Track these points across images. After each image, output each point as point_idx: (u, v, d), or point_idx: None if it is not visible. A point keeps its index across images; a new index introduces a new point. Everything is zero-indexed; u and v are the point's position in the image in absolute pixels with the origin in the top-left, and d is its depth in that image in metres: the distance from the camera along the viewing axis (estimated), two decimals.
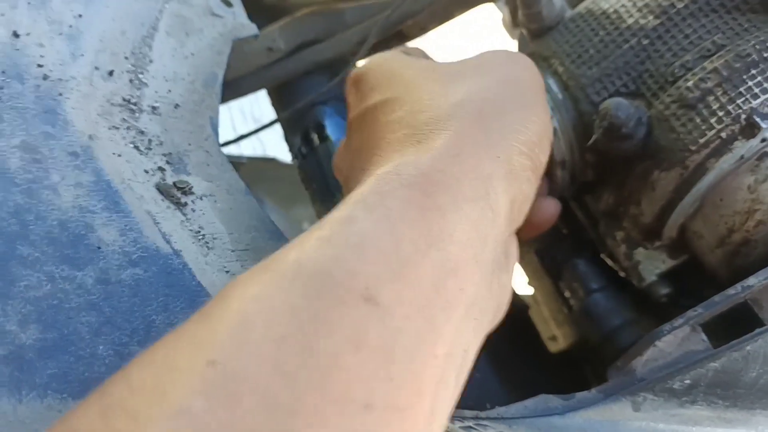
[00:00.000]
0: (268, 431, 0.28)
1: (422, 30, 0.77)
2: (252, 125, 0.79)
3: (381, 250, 0.35)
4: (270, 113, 0.87)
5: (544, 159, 0.47)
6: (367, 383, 0.31)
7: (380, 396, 0.31)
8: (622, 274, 0.61)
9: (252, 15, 0.68)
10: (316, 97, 0.74)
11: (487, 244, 0.40)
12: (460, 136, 0.42)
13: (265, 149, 1.44)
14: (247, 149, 1.41)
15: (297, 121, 0.77)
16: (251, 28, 0.66)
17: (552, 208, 0.55)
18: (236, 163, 0.57)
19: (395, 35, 0.75)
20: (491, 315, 0.44)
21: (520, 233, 0.49)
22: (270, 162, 1.13)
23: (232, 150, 1.24)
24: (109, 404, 0.29)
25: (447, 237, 0.37)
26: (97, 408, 0.29)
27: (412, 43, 0.78)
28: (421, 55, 0.59)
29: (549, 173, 0.57)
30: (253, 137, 0.85)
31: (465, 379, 0.40)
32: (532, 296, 0.72)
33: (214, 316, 0.32)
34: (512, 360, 0.48)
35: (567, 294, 0.64)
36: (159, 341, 0.32)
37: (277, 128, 0.85)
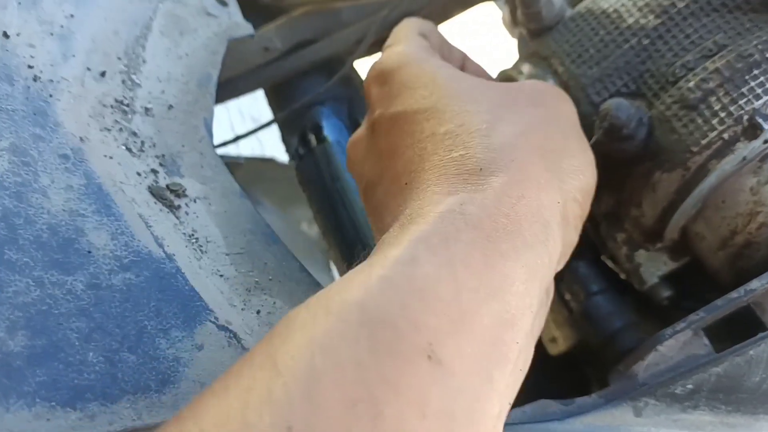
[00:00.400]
0: None
1: None
2: (250, 125, 0.78)
3: (443, 300, 0.33)
4: (268, 113, 0.87)
5: (589, 206, 0.47)
6: None
7: None
8: (623, 276, 0.60)
9: (248, 14, 0.67)
10: (313, 97, 0.74)
11: (540, 292, 0.39)
12: (524, 175, 0.41)
13: (263, 149, 1.44)
14: (245, 149, 1.40)
15: (294, 122, 0.77)
16: (247, 28, 0.65)
17: None
18: (234, 163, 0.57)
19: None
20: (530, 359, 0.43)
21: None
22: (268, 162, 1.13)
23: (230, 150, 1.24)
24: None
25: (508, 287, 0.36)
26: None
27: None
28: (440, 40, 0.58)
29: None
30: (251, 137, 0.84)
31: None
32: None
33: (283, 366, 0.31)
34: None
35: (567, 296, 0.63)
36: (222, 382, 0.32)
37: (276, 128, 0.85)
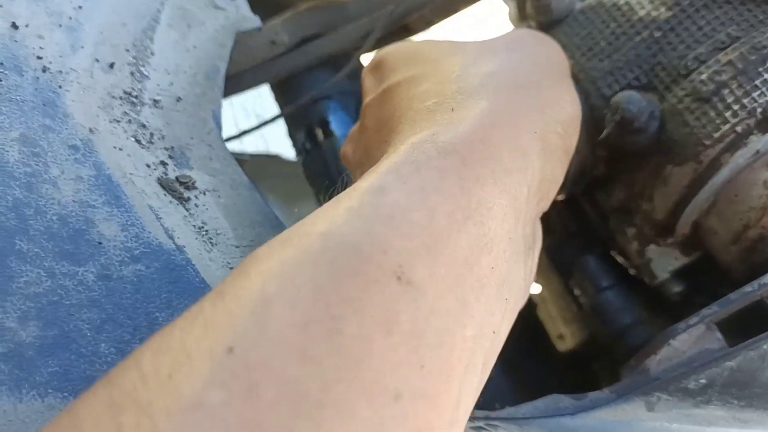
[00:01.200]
0: (293, 426, 0.26)
1: (427, 24, 0.76)
2: (255, 122, 0.78)
3: (415, 224, 0.33)
4: (273, 110, 0.86)
5: (574, 141, 0.46)
6: (397, 371, 0.29)
7: (410, 384, 0.29)
8: (633, 271, 0.60)
9: (254, 8, 0.67)
10: (320, 92, 0.73)
11: (520, 222, 0.39)
12: (497, 106, 0.41)
13: (268, 146, 1.44)
14: (249, 146, 1.40)
15: (301, 117, 0.76)
16: (254, 21, 0.65)
17: None
18: (239, 159, 0.56)
19: (400, 29, 0.74)
20: (519, 297, 0.43)
21: None
22: (273, 159, 1.13)
23: (234, 146, 1.23)
24: (118, 395, 0.27)
25: (486, 210, 0.35)
26: (105, 398, 0.27)
27: (416, 38, 0.77)
28: None
29: None
30: (256, 134, 0.84)
31: (493, 363, 0.38)
32: (540, 294, 0.71)
33: (230, 296, 0.30)
34: (521, 359, 0.47)
35: (577, 292, 0.63)
36: (171, 324, 0.30)
37: (280, 125, 0.85)
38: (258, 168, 1.07)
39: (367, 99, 0.50)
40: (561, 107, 0.45)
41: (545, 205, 0.45)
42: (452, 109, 0.41)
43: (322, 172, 0.72)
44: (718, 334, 0.49)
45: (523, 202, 0.39)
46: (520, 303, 0.44)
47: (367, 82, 0.52)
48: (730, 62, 0.51)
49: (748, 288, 0.48)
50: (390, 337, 0.29)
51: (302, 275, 0.29)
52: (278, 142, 1.29)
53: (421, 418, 0.30)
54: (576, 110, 0.47)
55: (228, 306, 0.29)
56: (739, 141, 0.49)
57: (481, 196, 0.36)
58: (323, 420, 0.27)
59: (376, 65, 0.52)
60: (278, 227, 0.53)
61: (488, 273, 0.35)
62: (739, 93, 0.50)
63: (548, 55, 0.49)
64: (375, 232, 0.32)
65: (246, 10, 0.65)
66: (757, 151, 0.49)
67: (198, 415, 0.26)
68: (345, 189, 0.36)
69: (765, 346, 0.48)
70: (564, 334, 0.68)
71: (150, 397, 0.26)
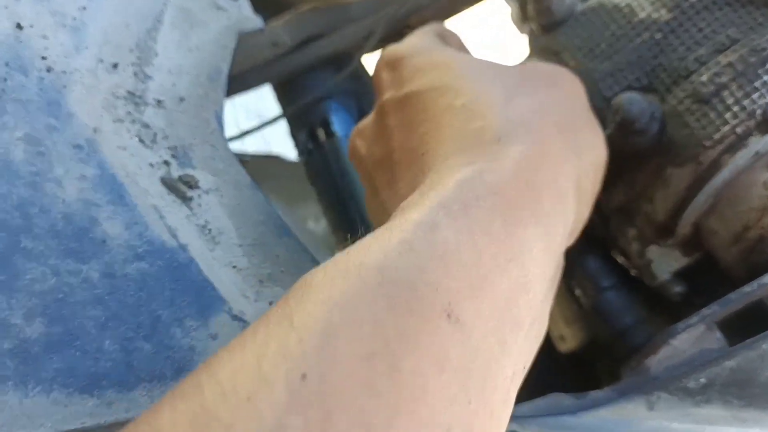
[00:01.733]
0: None
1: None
2: (256, 122, 0.78)
3: (463, 264, 0.34)
4: (274, 110, 0.87)
5: (600, 183, 0.48)
6: (449, 407, 0.30)
7: (460, 420, 0.31)
8: (633, 272, 0.60)
9: (257, 9, 0.67)
10: (322, 92, 0.74)
11: (553, 262, 0.40)
12: (542, 147, 0.41)
13: (269, 147, 1.44)
14: (251, 146, 1.40)
15: (303, 117, 0.77)
16: (256, 22, 0.65)
17: None
18: (241, 160, 0.56)
19: (401, 30, 0.74)
20: (544, 330, 0.44)
21: None
22: (274, 159, 1.13)
23: (235, 147, 1.24)
24: (197, 411, 0.28)
25: (527, 252, 0.36)
26: (185, 414, 0.28)
27: None
28: (459, 43, 0.59)
29: None
30: (257, 134, 0.84)
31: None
32: None
33: (297, 322, 0.30)
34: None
35: (578, 292, 0.63)
36: (239, 340, 0.31)
37: (282, 125, 0.85)
38: (259, 168, 1.07)
39: (387, 95, 0.50)
40: (594, 152, 0.47)
41: (572, 241, 0.47)
42: (498, 141, 0.41)
43: (324, 172, 0.73)
44: (719, 334, 0.50)
45: (558, 244, 0.40)
46: (543, 334, 0.45)
47: (385, 76, 0.52)
48: (730, 64, 0.51)
49: (747, 288, 0.49)
50: (442, 375, 0.30)
51: (363, 308, 0.31)
52: (280, 142, 1.29)
53: None
54: (605, 153, 0.48)
55: (298, 332, 0.30)
56: (738, 142, 0.50)
57: (524, 238, 0.37)
58: None
59: (395, 62, 0.51)
60: (281, 227, 0.53)
61: (525, 313, 0.36)
62: (738, 95, 0.50)
63: (580, 94, 0.50)
64: (428, 269, 0.33)
65: (248, 10, 0.66)
66: (757, 153, 0.49)
67: None
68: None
69: (765, 346, 0.49)
70: (565, 335, 0.69)
71: (232, 418, 0.27)
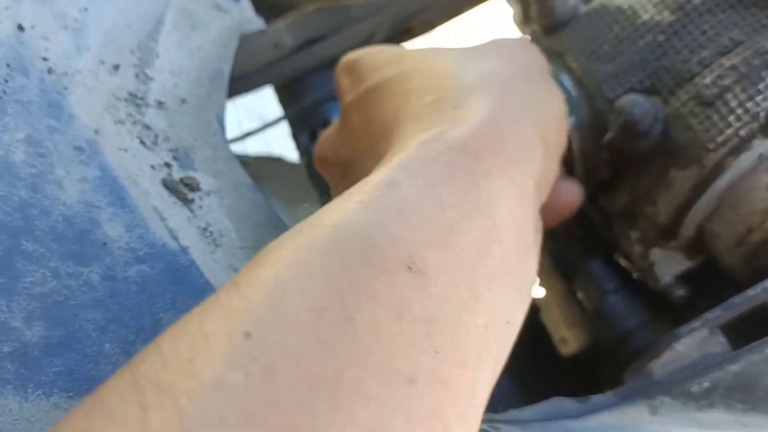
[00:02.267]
0: (309, 406, 0.27)
1: (430, 26, 0.76)
2: (258, 124, 0.78)
3: (425, 216, 0.34)
4: (276, 112, 0.87)
5: (564, 137, 0.48)
6: (410, 355, 0.30)
7: (424, 368, 0.30)
8: (636, 275, 0.60)
9: (258, 10, 0.67)
10: (323, 94, 0.74)
11: (527, 213, 0.40)
12: (499, 102, 0.42)
13: (270, 148, 1.44)
14: (252, 148, 1.40)
15: (304, 119, 0.77)
16: (258, 23, 0.65)
17: (576, 191, 0.55)
18: (242, 161, 0.56)
19: (403, 32, 0.74)
20: (529, 287, 0.43)
21: (545, 219, 0.48)
22: (276, 161, 1.13)
23: (237, 148, 1.24)
24: (141, 378, 0.28)
25: (495, 202, 0.36)
26: (129, 381, 0.28)
27: (420, 39, 0.77)
28: None
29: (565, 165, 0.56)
30: (258, 136, 0.84)
31: (507, 353, 0.39)
32: (543, 298, 0.71)
33: (246, 284, 0.31)
34: (524, 363, 0.48)
35: (580, 295, 0.63)
36: (190, 312, 0.31)
37: (283, 127, 0.85)
38: (261, 170, 1.07)
39: (348, 98, 0.51)
40: (553, 104, 0.47)
41: (544, 198, 0.46)
42: (454, 107, 0.42)
43: None
44: (722, 338, 0.50)
45: (529, 194, 0.40)
46: (530, 294, 0.44)
47: (344, 81, 0.53)
48: (733, 66, 0.51)
49: (751, 291, 0.49)
50: (401, 324, 0.30)
51: (314, 263, 0.30)
52: (281, 144, 1.29)
53: (436, 400, 0.30)
54: (563, 107, 0.49)
55: (243, 293, 0.30)
56: (742, 145, 0.50)
57: (490, 188, 0.37)
58: (339, 401, 0.27)
59: (352, 65, 0.52)
60: (282, 229, 0.53)
61: (499, 263, 0.36)
62: (742, 97, 0.50)
63: (533, 56, 0.51)
64: (385, 224, 0.33)
65: (250, 12, 0.66)
66: (761, 155, 0.49)
67: (219, 394, 0.26)
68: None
69: None
70: (567, 338, 0.69)
71: (172, 378, 0.27)
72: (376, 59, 0.51)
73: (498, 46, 0.51)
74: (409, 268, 0.31)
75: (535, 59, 0.52)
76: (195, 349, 0.28)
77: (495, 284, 0.35)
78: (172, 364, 0.28)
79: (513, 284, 0.38)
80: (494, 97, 0.42)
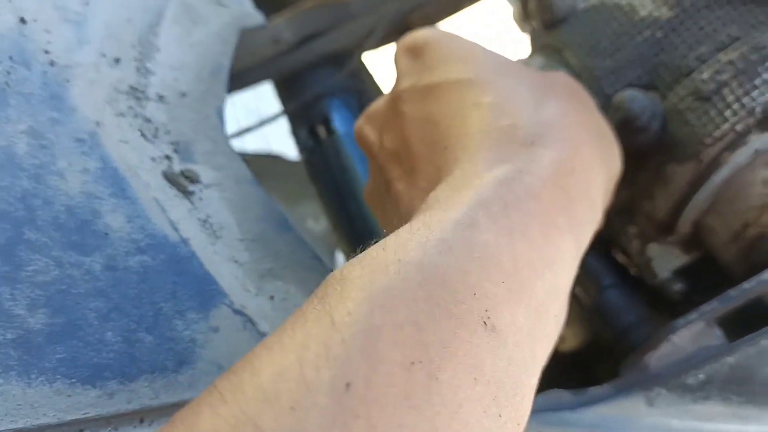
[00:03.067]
0: None
1: (430, 22, 0.76)
2: (257, 120, 0.78)
3: (502, 268, 0.33)
4: (274, 108, 0.87)
5: (611, 197, 0.48)
6: (481, 419, 0.30)
7: (491, 430, 0.31)
8: (634, 270, 0.61)
9: (258, 6, 0.67)
10: (322, 89, 0.74)
11: (576, 270, 0.40)
12: (572, 155, 0.41)
13: (269, 145, 1.44)
14: (251, 145, 1.40)
15: (303, 114, 0.77)
16: (257, 18, 0.66)
17: None
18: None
19: (402, 28, 0.75)
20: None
21: None
22: (274, 158, 1.13)
23: (235, 145, 1.24)
24: (242, 416, 0.28)
25: (561, 260, 0.36)
26: (228, 417, 0.28)
27: None
28: None
29: None
30: (257, 133, 0.84)
31: None
32: None
33: (340, 322, 0.30)
34: None
35: (578, 291, 0.63)
36: (277, 337, 0.31)
37: (281, 124, 0.85)
38: (259, 167, 1.07)
39: (405, 83, 0.48)
40: (615, 163, 0.46)
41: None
42: (531, 142, 0.40)
43: (325, 169, 0.73)
44: (718, 331, 0.50)
45: (583, 252, 0.40)
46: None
47: (403, 63, 0.50)
48: (730, 62, 0.51)
49: (747, 285, 0.49)
50: (476, 386, 0.30)
51: (404, 310, 0.30)
52: (279, 141, 1.29)
53: None
54: (621, 167, 0.48)
55: (340, 333, 0.30)
56: (738, 140, 0.50)
57: (559, 245, 0.37)
58: None
59: (420, 48, 0.49)
60: (282, 222, 0.53)
61: (554, 323, 0.36)
62: (739, 92, 0.50)
63: (595, 107, 0.49)
64: (467, 272, 0.32)
65: (249, 7, 0.66)
66: (757, 150, 0.50)
67: None
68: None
69: (764, 342, 0.49)
70: (565, 335, 0.69)
71: (275, 428, 0.27)
72: (447, 49, 0.48)
73: (570, 88, 0.49)
74: (485, 324, 0.31)
75: (596, 111, 0.49)
76: (298, 397, 0.28)
77: (549, 344, 0.36)
78: (274, 409, 0.28)
79: (554, 339, 0.38)
80: (569, 145, 0.41)
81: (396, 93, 0.49)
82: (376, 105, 0.52)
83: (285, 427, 0.27)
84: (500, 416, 0.31)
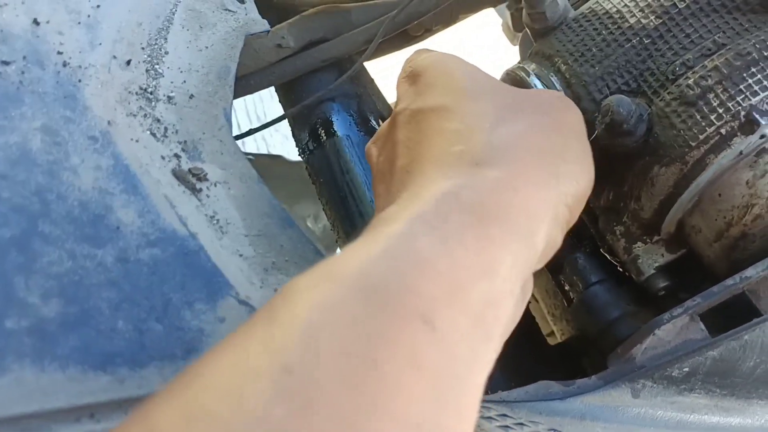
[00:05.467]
0: None
1: (427, 31, 0.78)
2: (256, 124, 0.80)
3: (439, 272, 0.36)
4: (274, 113, 0.88)
5: (578, 213, 0.49)
6: (420, 405, 0.32)
7: (430, 418, 0.32)
8: (620, 268, 0.62)
9: (262, 13, 0.69)
10: (324, 93, 0.75)
11: (520, 280, 0.41)
12: (520, 171, 0.43)
13: (268, 148, 1.45)
14: (250, 148, 1.42)
15: (305, 117, 0.78)
16: (263, 24, 0.68)
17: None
18: None
19: (400, 35, 0.76)
20: (503, 339, 0.44)
21: None
22: (275, 159, 1.14)
23: None
24: (191, 406, 0.31)
25: (495, 269, 0.38)
26: (177, 409, 0.31)
27: (420, 45, 0.79)
28: None
29: None
30: (257, 136, 0.86)
31: None
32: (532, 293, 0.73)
33: (281, 321, 0.33)
34: (512, 349, 0.50)
35: (567, 287, 0.65)
36: (225, 341, 0.34)
37: (279, 127, 0.86)
38: (259, 168, 1.08)
39: (401, 106, 0.51)
40: (576, 182, 0.47)
41: (541, 265, 0.47)
42: (477, 163, 0.43)
43: (325, 171, 0.74)
44: (701, 325, 0.52)
45: (524, 264, 0.41)
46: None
47: (402, 88, 0.53)
48: (716, 68, 0.53)
49: (730, 281, 0.50)
50: (416, 374, 0.32)
51: (342, 309, 0.33)
52: (279, 144, 1.30)
53: None
54: (589, 185, 0.49)
55: (281, 329, 0.32)
56: (723, 143, 0.52)
57: (494, 254, 0.38)
58: None
59: (416, 74, 0.53)
60: (285, 219, 0.55)
61: (493, 327, 0.38)
62: (724, 97, 0.52)
63: (573, 123, 0.50)
64: (405, 274, 0.35)
65: (255, 13, 0.68)
66: (741, 153, 0.51)
67: (263, 427, 0.29)
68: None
69: (746, 337, 0.51)
70: (554, 332, 0.70)
71: (222, 410, 0.30)
72: (435, 76, 0.51)
73: (544, 104, 0.50)
74: (424, 321, 0.34)
75: (575, 126, 0.51)
76: (239, 380, 0.31)
77: (490, 346, 0.38)
78: (221, 396, 0.30)
79: (500, 345, 0.40)
80: (517, 164, 0.43)
81: (393, 116, 0.52)
82: (382, 126, 0.55)
83: (230, 408, 0.30)
84: (439, 404, 0.33)
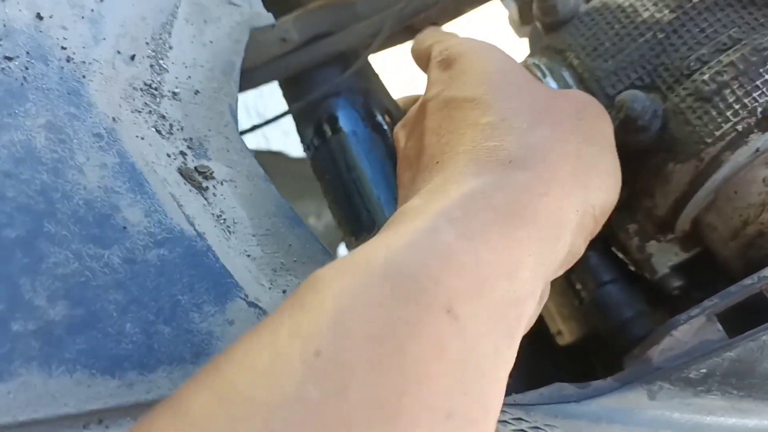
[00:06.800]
0: (374, 427, 0.30)
1: (433, 25, 0.77)
2: (256, 121, 0.79)
3: (464, 267, 0.36)
4: (275, 109, 0.87)
5: (602, 224, 0.49)
6: (448, 393, 0.32)
7: (459, 407, 0.33)
8: (632, 267, 0.62)
9: (266, 6, 0.68)
10: (328, 88, 0.74)
11: (541, 283, 0.41)
12: (551, 177, 0.43)
13: (269, 145, 1.44)
14: (250, 144, 1.41)
15: (309, 113, 0.77)
16: (267, 18, 0.66)
17: None
18: None
19: (405, 29, 0.75)
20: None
21: None
22: (276, 156, 1.13)
23: None
24: (221, 388, 0.31)
25: (519, 270, 0.38)
26: (210, 390, 0.31)
27: None
28: None
29: None
30: (257, 132, 0.85)
31: None
32: None
33: (311, 308, 0.33)
34: (523, 349, 0.49)
35: (578, 286, 0.64)
36: (254, 328, 0.34)
37: (281, 123, 0.85)
38: (262, 165, 1.07)
39: (432, 92, 0.51)
40: (605, 194, 0.47)
41: (562, 271, 0.47)
42: (510, 162, 0.43)
43: (330, 167, 0.73)
44: (719, 326, 0.51)
45: (548, 268, 0.42)
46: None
47: (434, 73, 0.53)
48: (731, 63, 0.52)
49: (748, 281, 0.50)
50: (441, 362, 0.33)
51: (370, 297, 0.33)
52: (279, 140, 1.29)
53: None
54: (616, 197, 0.49)
55: (311, 315, 0.32)
56: (739, 139, 0.51)
57: (518, 256, 0.39)
58: (397, 426, 0.30)
59: (450, 60, 0.52)
60: (293, 218, 0.54)
61: (515, 326, 0.38)
62: (740, 93, 0.51)
63: (607, 133, 0.50)
64: (430, 266, 0.35)
65: (259, 7, 0.67)
66: (757, 149, 0.51)
67: (299, 408, 0.29)
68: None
69: (764, 338, 0.50)
70: (562, 331, 0.70)
71: (254, 391, 0.30)
72: (470, 65, 0.51)
73: (580, 110, 0.49)
74: (448, 311, 0.34)
75: (608, 135, 0.50)
76: (272, 363, 0.31)
77: (513, 344, 0.38)
78: (254, 377, 0.30)
79: (518, 340, 0.40)
80: (549, 169, 0.43)
81: (423, 102, 0.52)
82: (411, 110, 0.55)
83: (263, 388, 0.30)
84: (466, 393, 0.33)
